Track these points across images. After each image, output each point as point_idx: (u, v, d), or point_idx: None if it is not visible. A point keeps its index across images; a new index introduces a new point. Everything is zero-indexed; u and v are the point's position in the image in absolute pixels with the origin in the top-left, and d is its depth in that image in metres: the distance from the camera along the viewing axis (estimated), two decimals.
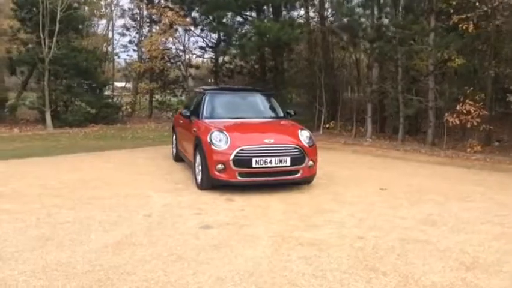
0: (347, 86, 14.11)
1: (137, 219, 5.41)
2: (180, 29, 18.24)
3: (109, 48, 20.83)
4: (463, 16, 10.43)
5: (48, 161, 9.62)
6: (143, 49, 19.29)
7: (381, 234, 4.95)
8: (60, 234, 4.82)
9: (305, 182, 7.12)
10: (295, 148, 6.71)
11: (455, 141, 12.47)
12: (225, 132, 6.75)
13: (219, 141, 6.61)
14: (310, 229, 5.13)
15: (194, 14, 15.93)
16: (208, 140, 6.66)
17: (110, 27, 21.18)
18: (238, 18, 14.71)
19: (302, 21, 15.03)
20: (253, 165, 6.48)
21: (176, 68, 20.64)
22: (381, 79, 13.22)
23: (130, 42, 21.23)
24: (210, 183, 6.72)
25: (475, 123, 10.70)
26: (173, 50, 19.48)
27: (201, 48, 18.91)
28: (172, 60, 20.40)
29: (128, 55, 21.43)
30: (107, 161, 9.65)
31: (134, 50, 21.26)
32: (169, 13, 15.97)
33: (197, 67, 20.48)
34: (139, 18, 21.03)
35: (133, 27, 21.18)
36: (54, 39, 15.45)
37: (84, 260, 4.13)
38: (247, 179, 6.59)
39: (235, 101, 8.21)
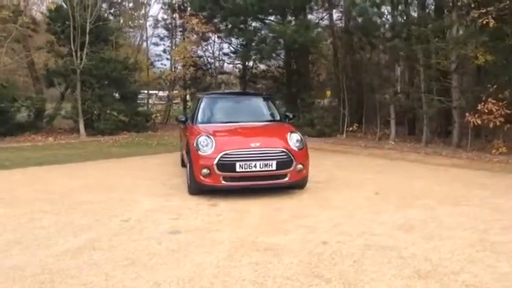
0: (372, 88, 13.70)
1: (112, 224, 5.49)
2: (214, 36, 18.54)
3: (143, 58, 21.37)
4: (483, 10, 9.90)
5: (65, 167, 9.98)
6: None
7: (348, 240, 4.77)
8: (31, 238, 4.97)
9: (296, 186, 6.98)
10: (282, 152, 6.60)
11: (484, 143, 11.84)
12: (211, 136, 6.75)
13: (205, 146, 6.62)
14: (278, 234, 5.02)
15: (215, 20, 16.06)
16: (195, 145, 6.69)
17: (144, 37, 21.73)
18: (257, 23, 14.68)
19: (322, 23, 14.84)
20: (237, 169, 6.43)
21: (208, 75, 20.95)
22: (406, 79, 12.76)
23: (164, 51, 21.75)
24: (198, 188, 6.73)
25: (498, 123, 10.10)
26: (204, 58, 19.70)
27: (225, 54, 19.09)
28: (204, 67, 20.74)
29: (162, 64, 21.99)
30: (120, 167, 9.91)
31: (167, 59, 21.80)
32: (194, 21, 16.23)
33: (228, 73, 20.67)
34: (171, 28, 21.49)
35: (166, 36, 21.69)
36: (85, 50, 16.07)
37: (40, 263, 4.23)
38: (231, 184, 6.55)
39: (230, 106, 8.20)
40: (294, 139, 6.86)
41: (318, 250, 4.49)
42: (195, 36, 17.54)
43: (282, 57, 15.80)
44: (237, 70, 18.95)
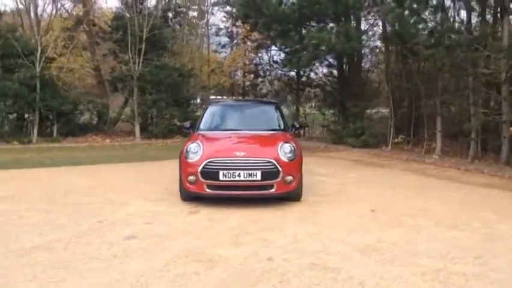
0: (418, 98, 12.91)
1: (84, 226, 5.62)
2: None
3: (204, 65, 21.87)
4: None
5: (90, 168, 10.51)
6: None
7: (296, 258, 4.49)
8: (4, 235, 5.21)
9: (289, 198, 6.72)
10: (269, 162, 6.40)
11: None
12: (200, 144, 6.73)
13: (193, 153, 6.60)
14: (230, 246, 4.85)
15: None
16: (184, 152, 6.70)
17: (206, 45, 22.26)
18: (300, 31, 14.41)
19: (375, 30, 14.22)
20: (221, 178, 6.34)
21: (267, 81, 21.03)
22: (453, 89, 11.88)
23: (225, 58, 22.13)
24: (187, 195, 6.73)
25: None
26: (262, 65, 19.77)
27: (275, 62, 19.00)
28: (262, 75, 20.85)
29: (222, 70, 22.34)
30: (137, 170, 10.25)
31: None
32: (243, 29, 16.38)
33: (281, 80, 20.60)
34: (232, 36, 21.83)
35: (227, 44, 22.08)
36: (141, 57, 16.84)
37: None
38: (215, 192, 6.47)
39: (234, 114, 8.12)
40: (285, 149, 6.62)
41: (256, 266, 4.28)
42: (249, 43, 17.66)
43: (329, 64, 15.43)
44: (286, 77, 18.80)
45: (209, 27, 22.14)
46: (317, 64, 16.65)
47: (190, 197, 6.72)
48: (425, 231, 5.44)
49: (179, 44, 18.97)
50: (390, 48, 14.26)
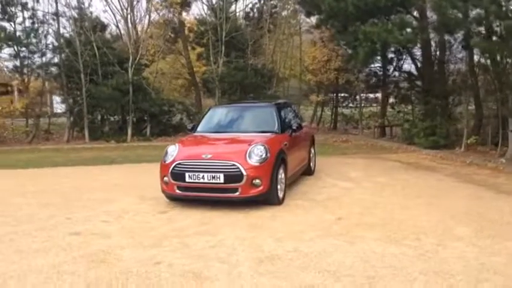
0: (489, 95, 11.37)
1: (53, 220, 6.19)
2: None
3: (293, 64, 21.87)
4: None
5: (110, 168, 11.28)
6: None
7: (181, 263, 4.49)
8: None
9: (266, 202, 6.62)
10: (232, 165, 6.36)
11: None
12: (177, 146, 6.95)
13: (169, 154, 6.85)
14: (152, 248, 4.97)
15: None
16: (164, 153, 6.98)
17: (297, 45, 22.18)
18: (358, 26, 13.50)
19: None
20: (187, 179, 6.49)
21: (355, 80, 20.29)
22: None
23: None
24: (165, 195, 6.98)
25: None
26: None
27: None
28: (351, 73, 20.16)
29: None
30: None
31: None
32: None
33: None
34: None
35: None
36: (221, 60, 17.55)
37: None
38: (183, 193, 6.65)
39: (231, 116, 8.15)
40: (254, 152, 6.51)
41: (142, 269, 4.37)
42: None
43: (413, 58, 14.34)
44: (363, 75, 17.84)
45: (301, 26, 22.03)
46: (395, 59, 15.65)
47: (170, 197, 6.96)
48: (358, 246, 4.94)
49: (267, 45, 19.23)
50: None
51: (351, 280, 4.01)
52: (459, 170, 9.90)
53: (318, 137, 17.71)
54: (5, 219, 6.32)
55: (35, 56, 17.05)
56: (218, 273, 4.23)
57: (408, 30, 10.97)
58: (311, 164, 9.29)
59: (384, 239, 5.12)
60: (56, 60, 17.82)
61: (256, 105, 8.66)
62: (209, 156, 6.53)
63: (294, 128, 7.77)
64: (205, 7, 19.83)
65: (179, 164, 6.59)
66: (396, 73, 16.63)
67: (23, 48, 16.47)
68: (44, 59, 17.40)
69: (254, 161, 6.45)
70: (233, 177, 6.33)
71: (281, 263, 4.43)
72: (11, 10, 16.11)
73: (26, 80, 17.17)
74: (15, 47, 16.35)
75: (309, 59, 19.20)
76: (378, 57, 14.88)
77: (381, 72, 17.46)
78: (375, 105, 22.30)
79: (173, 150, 6.89)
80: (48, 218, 6.35)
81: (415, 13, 12.26)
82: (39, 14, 17.11)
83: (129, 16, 18.71)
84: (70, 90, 17.75)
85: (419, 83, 15.24)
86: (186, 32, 20.12)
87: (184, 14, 19.28)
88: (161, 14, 19.38)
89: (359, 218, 6.08)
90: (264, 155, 6.52)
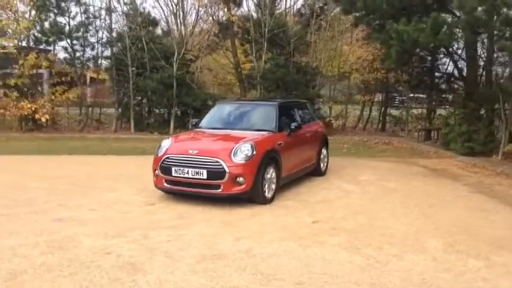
0: None
1: (48, 204, 6.62)
2: None
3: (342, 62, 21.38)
4: None
5: (137, 158, 11.32)
6: None
7: (112, 257, 4.63)
8: None
9: (249, 200, 6.65)
10: (216, 162, 6.43)
11: None
12: (170, 140, 7.14)
13: (161, 148, 7.04)
14: (104, 238, 5.18)
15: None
16: (158, 147, 7.18)
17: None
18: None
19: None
20: (173, 173, 6.65)
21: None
22: None
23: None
24: (157, 188, 7.17)
25: None
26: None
27: None
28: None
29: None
30: None
31: None
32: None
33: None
34: None
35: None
36: (263, 56, 17.59)
37: None
38: (170, 187, 6.83)
39: (233, 113, 8.20)
40: (240, 150, 6.54)
41: (88, 257, 4.59)
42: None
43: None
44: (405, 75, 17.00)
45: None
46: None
47: (161, 190, 7.13)
48: (311, 251, 4.84)
49: (313, 42, 18.96)
50: None
51: (278, 285, 3.97)
52: (483, 179, 9.30)
53: (361, 137, 17.41)
54: (6, 202, 6.78)
55: (87, 49, 17.99)
56: (156, 267, 4.33)
57: (444, 29, 10.34)
58: (321, 164, 9.12)
59: (345, 246, 4.98)
60: (106, 53, 18.68)
61: (259, 104, 8.63)
62: (195, 152, 6.64)
63: (293, 127, 7.66)
64: (252, 4, 19.94)
65: (167, 158, 6.76)
66: (437, 74, 15.80)
67: (75, 42, 17.41)
68: (95, 52, 18.32)
69: (239, 159, 6.48)
70: (216, 173, 6.40)
71: (222, 263, 4.45)
72: (65, 5, 17.08)
73: (78, 71, 18.14)
74: (69, 41, 17.33)
75: (353, 57, 18.74)
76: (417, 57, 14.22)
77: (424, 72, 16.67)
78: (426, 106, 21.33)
79: (166, 144, 7.07)
80: (45, 203, 6.75)
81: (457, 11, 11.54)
82: (93, 8, 18.00)
83: (178, 12, 19.22)
84: (119, 82, 18.52)
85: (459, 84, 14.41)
86: (235, 28, 20.32)
87: (233, 10, 19.44)
88: (209, 10, 19.71)
89: (337, 222, 5.94)
90: (249, 154, 6.53)
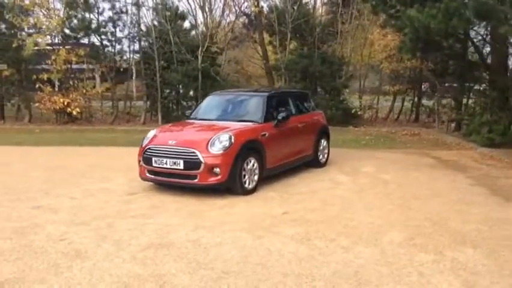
0: None
1: (35, 193, 6.90)
2: None
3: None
4: None
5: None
6: None
7: (92, 240, 4.78)
8: None
9: (228, 191, 6.69)
10: (192, 152, 6.49)
11: None
12: (155, 131, 7.26)
13: (146, 139, 7.18)
14: (67, 226, 5.35)
15: None
16: (143, 137, 7.32)
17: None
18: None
19: None
20: (153, 164, 6.76)
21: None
22: None
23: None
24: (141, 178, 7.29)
25: None
26: None
27: None
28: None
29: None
30: None
31: None
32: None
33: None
34: None
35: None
36: (287, 47, 17.45)
37: None
38: (151, 177, 6.96)
39: (224, 104, 8.24)
40: (217, 141, 6.56)
41: (42, 243, 4.78)
42: None
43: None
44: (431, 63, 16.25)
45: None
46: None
47: (145, 180, 7.24)
48: (259, 241, 4.80)
49: (341, 32, 18.55)
50: None
51: (205, 273, 3.98)
52: (493, 171, 8.83)
53: (389, 129, 16.92)
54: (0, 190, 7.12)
55: (116, 43, 18.52)
56: (98, 254, 4.45)
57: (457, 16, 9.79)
58: (320, 155, 8.97)
59: (297, 237, 4.91)
60: (134, 47, 19.17)
61: (249, 94, 8.55)
62: (174, 142, 6.72)
63: (280, 118, 7.57)
64: None
65: (149, 148, 6.89)
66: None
67: (103, 36, 17.97)
68: (124, 47, 18.85)
69: (216, 149, 6.50)
70: (192, 164, 6.46)
71: (164, 251, 4.51)
72: (93, 0, 17.66)
73: (107, 66, 18.71)
74: (97, 36, 17.91)
75: (379, 47, 18.20)
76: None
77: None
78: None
79: (150, 135, 7.20)
80: (36, 191, 7.03)
81: None
82: (121, 4, 18.52)
83: (205, 5, 19.38)
84: (147, 75, 18.94)
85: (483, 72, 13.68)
86: (263, 19, 20.26)
87: (260, 2, 19.39)
88: (236, 1, 19.75)
89: (306, 214, 5.85)
90: (227, 144, 6.53)
